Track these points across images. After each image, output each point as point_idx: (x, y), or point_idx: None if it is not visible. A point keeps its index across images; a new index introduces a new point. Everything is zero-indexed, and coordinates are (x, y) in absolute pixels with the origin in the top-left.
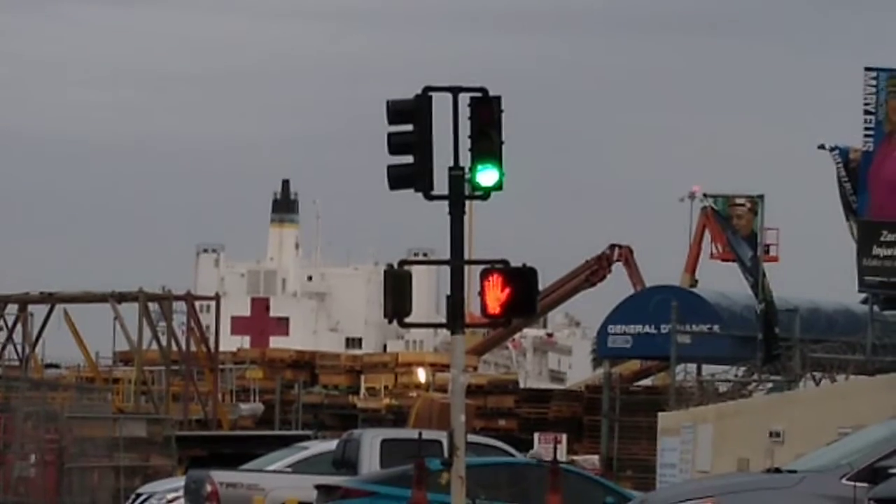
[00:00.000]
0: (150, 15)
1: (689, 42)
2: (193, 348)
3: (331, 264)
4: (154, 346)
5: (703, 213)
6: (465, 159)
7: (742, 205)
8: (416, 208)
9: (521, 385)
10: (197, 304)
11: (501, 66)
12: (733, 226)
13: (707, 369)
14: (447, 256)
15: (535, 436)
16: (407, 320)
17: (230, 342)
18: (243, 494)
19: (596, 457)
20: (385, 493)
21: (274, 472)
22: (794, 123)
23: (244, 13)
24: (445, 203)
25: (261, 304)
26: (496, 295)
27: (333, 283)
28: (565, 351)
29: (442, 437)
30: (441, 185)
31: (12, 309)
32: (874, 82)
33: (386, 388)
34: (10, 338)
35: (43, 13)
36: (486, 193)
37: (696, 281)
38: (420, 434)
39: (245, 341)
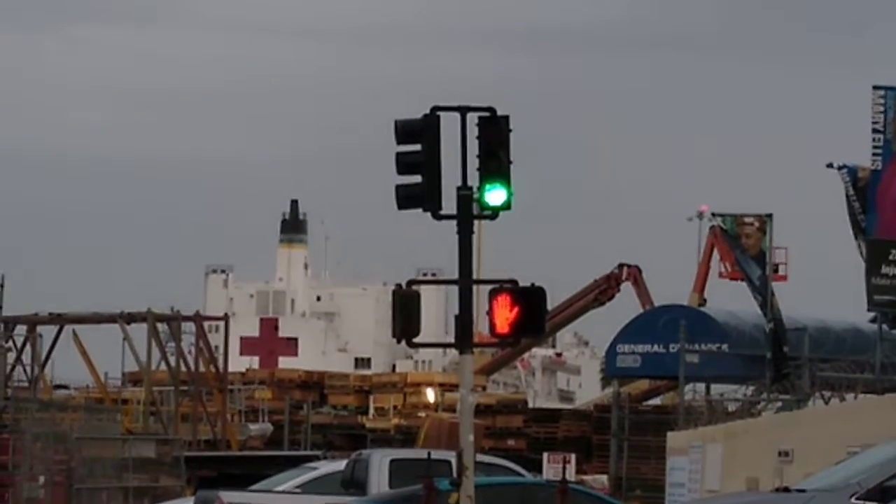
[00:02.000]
0: (157, 34)
1: (698, 60)
2: (202, 369)
3: (339, 284)
4: (163, 366)
5: (712, 232)
6: (474, 179)
7: (751, 224)
8: (424, 228)
9: (530, 405)
10: (206, 324)
11: (510, 83)
12: (742, 245)
13: (716, 388)
14: (456, 276)
15: (545, 455)
16: (415, 340)
17: (239, 362)
18: None
19: (605, 476)
20: None
21: (283, 492)
22: (803, 142)
23: (251, 32)
24: (454, 223)
25: (269, 325)
26: (505, 314)
27: (342, 304)
28: (574, 370)
29: (451, 456)
30: (449, 204)
31: (21, 330)
32: (882, 101)
33: (395, 408)
34: (19, 359)
35: (46, 32)
36: (494, 213)
37: (705, 300)
38: (429, 454)
39: (254, 361)
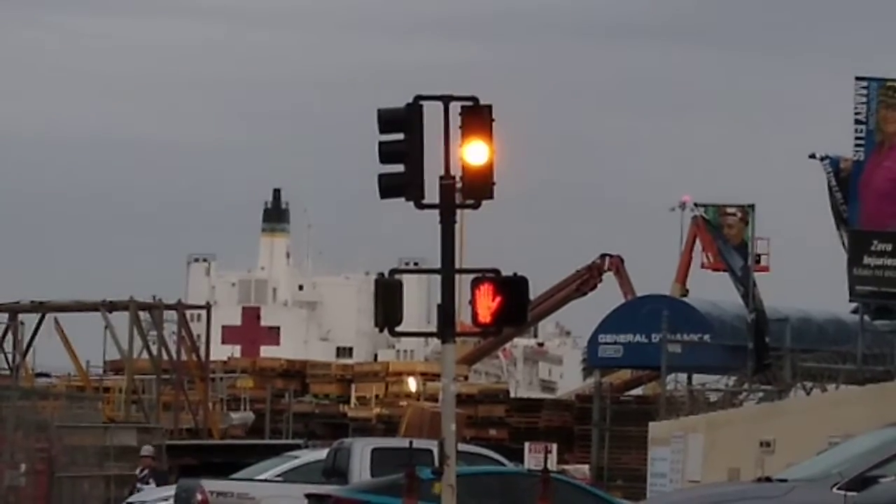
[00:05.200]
0: (140, 21)
1: (680, 50)
2: (184, 357)
3: (322, 273)
4: (145, 354)
5: (694, 223)
6: (457, 168)
7: (733, 214)
8: (407, 217)
9: (512, 394)
10: (188, 313)
11: (494, 73)
12: (724, 235)
13: (698, 379)
14: (438, 265)
15: (526, 445)
16: (397, 329)
17: (221, 351)
18: (234, 503)
19: (586, 466)
20: (375, 502)
21: (264, 481)
22: (785, 133)
23: (235, 20)
24: (436, 212)
25: (252, 313)
26: (487, 304)
27: (324, 293)
28: (556, 360)
29: (433, 446)
30: (432, 193)
31: (2, 317)
32: (865, 91)
33: (377, 397)
34: (0, 346)
35: (19, 18)
36: (476, 202)
37: (687, 290)
38: (411, 443)
39: (236, 350)
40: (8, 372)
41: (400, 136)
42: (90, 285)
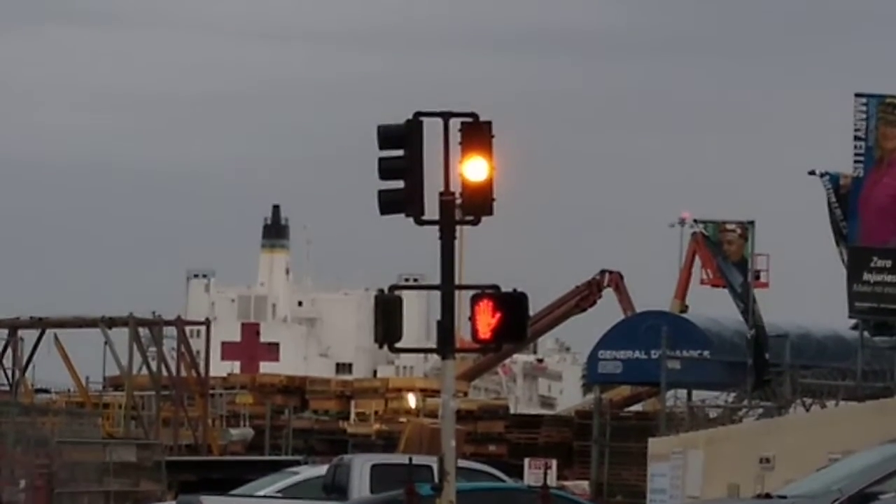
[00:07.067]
0: (136, 37)
1: (679, 66)
2: (183, 373)
3: (321, 289)
4: (144, 371)
5: (694, 239)
6: (456, 184)
7: (732, 230)
8: (407, 233)
9: (512, 410)
10: (187, 329)
11: (493, 89)
12: (724, 251)
13: (697, 395)
14: (438, 281)
15: (525, 461)
16: (397, 345)
17: (220, 367)
18: None
19: (586, 482)
20: None
21: (264, 497)
22: (785, 149)
23: (234, 35)
24: (436, 228)
25: (251, 330)
26: (487, 320)
27: (324, 309)
28: (555, 376)
29: (432, 462)
30: (432, 209)
31: (2, 333)
32: (864, 108)
33: (376, 413)
34: (0, 362)
35: (18, 33)
36: (476, 218)
37: (687, 306)
38: (410, 459)
39: (235, 366)
40: (8, 388)
41: (400, 152)
42: (90, 301)
